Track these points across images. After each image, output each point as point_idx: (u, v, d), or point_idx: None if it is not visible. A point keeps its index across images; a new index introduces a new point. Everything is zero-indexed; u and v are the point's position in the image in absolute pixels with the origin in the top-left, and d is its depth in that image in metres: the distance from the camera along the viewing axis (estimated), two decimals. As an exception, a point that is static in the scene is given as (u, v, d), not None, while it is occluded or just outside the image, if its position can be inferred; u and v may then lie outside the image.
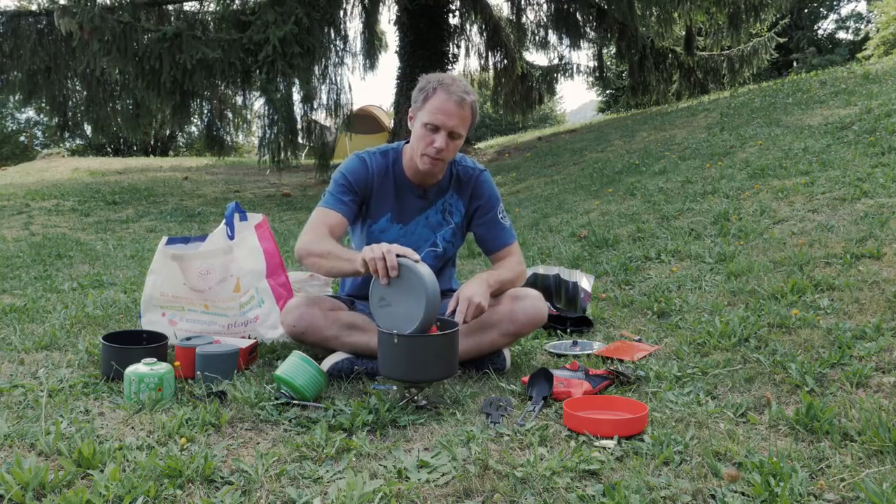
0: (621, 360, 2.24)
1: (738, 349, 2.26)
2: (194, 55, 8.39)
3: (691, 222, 4.23)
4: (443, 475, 1.44)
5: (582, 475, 1.43)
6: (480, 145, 14.48)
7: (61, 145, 24.47)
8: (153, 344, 2.22)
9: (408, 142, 2.28)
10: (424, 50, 12.13)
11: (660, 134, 8.49)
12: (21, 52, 9.95)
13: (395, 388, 1.92)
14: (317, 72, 10.00)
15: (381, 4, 12.28)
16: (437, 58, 12.31)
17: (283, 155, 9.41)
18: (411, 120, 2.21)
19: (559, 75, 14.14)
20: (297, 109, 9.66)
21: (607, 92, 25.97)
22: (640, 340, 2.50)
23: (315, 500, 1.34)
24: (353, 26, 45.45)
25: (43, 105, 11.19)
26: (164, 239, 2.63)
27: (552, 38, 13.79)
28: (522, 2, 13.60)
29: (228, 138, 11.86)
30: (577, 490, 1.36)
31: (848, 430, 1.57)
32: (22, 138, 29.27)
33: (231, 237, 2.67)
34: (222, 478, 1.44)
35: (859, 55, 20.07)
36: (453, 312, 2.15)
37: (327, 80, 10.26)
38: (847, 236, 3.29)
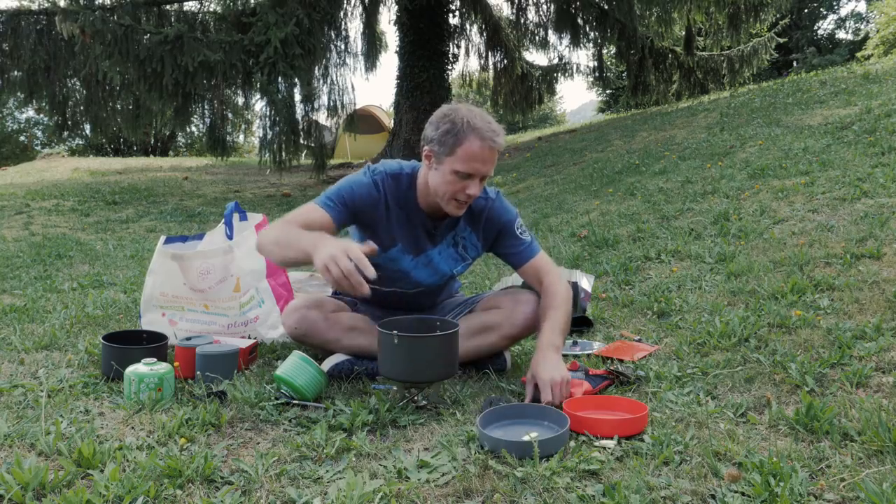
0: (621, 360, 2.24)
1: (738, 349, 2.26)
2: (196, 57, 8.38)
3: (691, 222, 4.23)
4: (443, 475, 1.44)
5: (582, 475, 1.43)
6: (480, 145, 14.45)
7: (61, 145, 24.48)
8: (153, 344, 2.22)
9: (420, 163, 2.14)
10: (424, 50, 12.12)
11: (660, 134, 8.49)
12: (21, 52, 9.95)
13: (395, 388, 1.92)
14: (317, 72, 10.00)
15: (381, 4, 12.28)
16: (437, 58, 12.31)
17: (283, 155, 9.41)
18: (429, 158, 2.03)
19: (559, 75, 14.13)
20: (299, 110, 9.66)
21: (607, 92, 25.97)
22: (640, 340, 2.50)
23: (315, 500, 1.34)
24: (354, 26, 45.43)
25: (43, 105, 11.19)
26: (162, 238, 2.63)
27: (552, 38, 13.79)
28: (522, 2, 13.60)
29: (229, 139, 11.86)
30: (577, 490, 1.36)
31: (848, 430, 1.57)
32: (22, 138, 29.27)
33: (230, 237, 2.67)
34: (222, 478, 1.44)
35: (859, 55, 20.06)
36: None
37: (328, 81, 10.27)
38: (847, 236, 3.29)
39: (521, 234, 2.24)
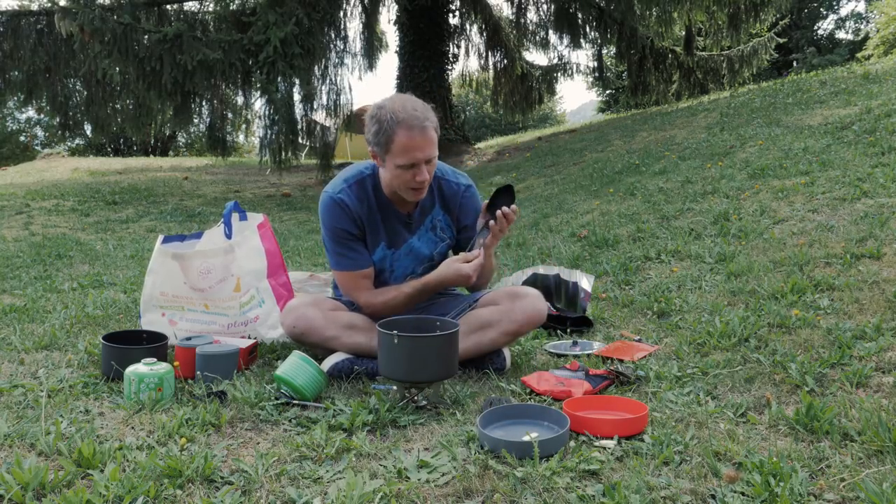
0: (621, 360, 2.24)
1: (738, 349, 2.26)
2: (195, 56, 8.38)
3: (691, 222, 4.23)
4: (443, 475, 1.44)
5: (582, 475, 1.43)
6: (480, 145, 14.47)
7: (61, 145, 24.48)
8: (153, 344, 2.22)
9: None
10: (424, 50, 12.13)
11: (660, 134, 8.49)
12: (21, 52, 9.95)
13: (395, 388, 1.92)
14: (317, 72, 9.99)
15: (380, 4, 12.28)
16: (437, 58, 12.32)
17: (283, 155, 9.41)
18: (375, 158, 2.12)
19: (559, 75, 14.14)
20: (298, 110, 9.66)
21: (607, 92, 25.98)
22: (640, 340, 2.50)
23: (315, 500, 1.34)
24: (353, 26, 45.45)
25: (43, 105, 11.20)
26: (161, 238, 2.63)
27: (552, 37, 13.80)
28: (522, 2, 13.61)
29: (229, 139, 11.86)
30: (577, 490, 1.36)
31: (848, 430, 1.57)
32: (22, 138, 29.27)
33: (228, 236, 2.67)
34: (222, 478, 1.44)
35: (859, 55, 20.06)
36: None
37: (327, 81, 10.26)
38: (847, 236, 3.29)
39: None
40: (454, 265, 2.14)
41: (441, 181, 2.28)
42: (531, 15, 13.82)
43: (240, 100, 10.83)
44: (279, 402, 1.88)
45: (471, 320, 2.19)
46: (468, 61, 45.76)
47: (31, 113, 28.08)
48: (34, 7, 10.68)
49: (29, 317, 3.03)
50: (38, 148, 27.60)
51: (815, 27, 27.06)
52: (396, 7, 12.32)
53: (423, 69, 12.08)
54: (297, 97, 9.61)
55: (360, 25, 11.98)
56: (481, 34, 13.59)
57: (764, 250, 3.39)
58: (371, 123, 2.06)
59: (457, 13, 13.20)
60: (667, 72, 13.68)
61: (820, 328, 2.32)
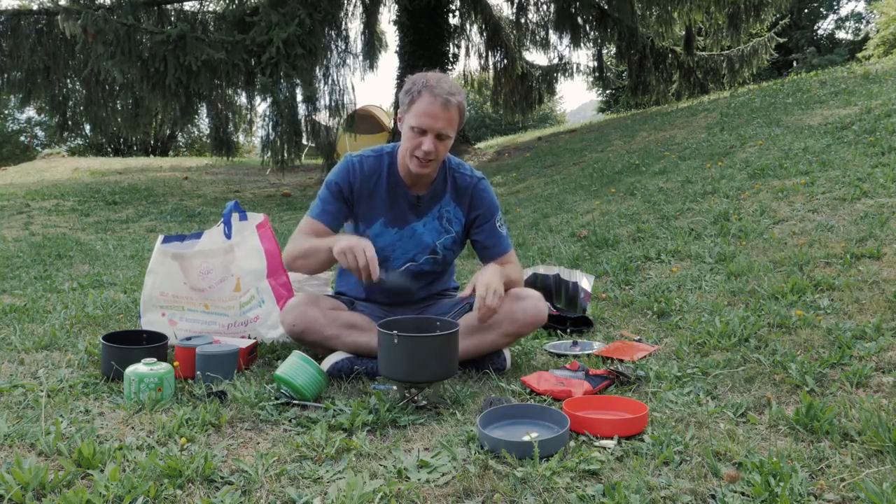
0: (621, 360, 2.24)
1: (738, 349, 2.26)
2: (199, 57, 8.39)
3: (691, 222, 4.23)
4: (443, 475, 1.44)
5: (582, 475, 1.43)
6: (480, 145, 14.47)
7: (61, 145, 24.49)
8: (153, 344, 2.22)
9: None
10: (424, 50, 12.12)
11: (660, 134, 8.49)
12: (20, 52, 9.96)
13: (395, 388, 1.92)
14: (318, 72, 10.00)
15: (381, 5, 12.28)
16: (437, 58, 12.30)
17: (286, 155, 9.42)
18: (400, 121, 2.21)
19: (559, 75, 14.13)
20: (301, 110, 9.68)
21: (607, 92, 25.98)
22: (640, 340, 2.50)
23: (315, 500, 1.34)
24: (354, 27, 45.37)
25: (43, 105, 11.21)
26: (161, 238, 2.63)
27: (552, 37, 13.80)
28: (522, 2, 13.61)
29: (231, 139, 11.86)
30: (577, 490, 1.36)
31: (848, 430, 1.57)
32: (22, 138, 29.27)
33: (228, 236, 2.67)
34: (222, 478, 1.44)
35: (859, 55, 20.05)
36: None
37: (329, 81, 10.26)
38: (847, 236, 3.29)
39: (499, 227, 2.36)
40: (359, 241, 2.00)
41: (456, 174, 2.33)
42: (531, 15, 13.82)
43: (242, 100, 10.85)
44: (279, 402, 1.88)
45: (471, 321, 2.19)
46: (468, 61, 45.56)
47: (31, 113, 28.08)
48: (34, 7, 10.68)
49: (29, 317, 3.03)
50: (38, 148, 27.60)
51: (815, 27, 27.07)
52: (396, 7, 12.32)
53: (423, 69, 12.03)
54: (299, 97, 9.62)
55: (361, 25, 11.98)
56: (481, 34, 13.59)
57: (764, 250, 3.39)
58: (406, 84, 2.18)
59: (457, 13, 13.20)
60: (667, 72, 13.68)
61: (820, 328, 2.32)
